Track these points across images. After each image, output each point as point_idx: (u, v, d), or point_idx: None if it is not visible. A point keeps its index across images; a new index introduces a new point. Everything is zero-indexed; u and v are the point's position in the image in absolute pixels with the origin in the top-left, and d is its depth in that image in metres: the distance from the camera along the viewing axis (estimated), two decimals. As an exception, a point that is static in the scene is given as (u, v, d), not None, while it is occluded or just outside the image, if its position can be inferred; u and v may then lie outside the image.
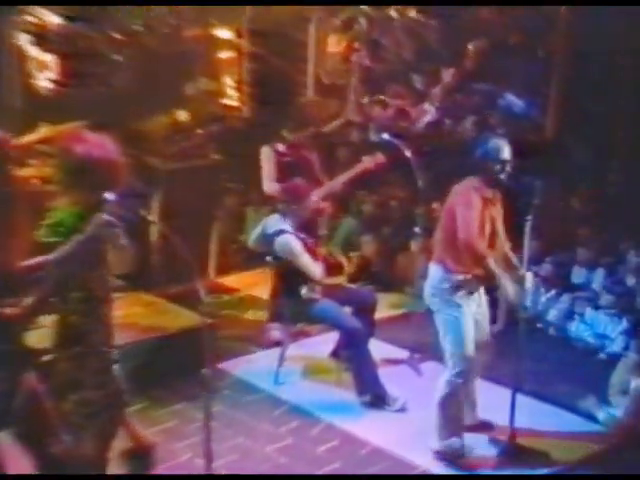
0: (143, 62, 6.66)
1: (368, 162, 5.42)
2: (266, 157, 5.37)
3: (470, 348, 4.03)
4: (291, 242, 4.68)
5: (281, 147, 5.37)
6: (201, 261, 5.97)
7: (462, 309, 4.01)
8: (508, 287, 3.97)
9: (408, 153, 5.21)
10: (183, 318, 5.03)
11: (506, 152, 3.96)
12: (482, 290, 4.17)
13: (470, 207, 3.89)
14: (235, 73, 8.15)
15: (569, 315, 5.69)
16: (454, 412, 4.11)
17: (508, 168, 3.96)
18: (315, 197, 5.09)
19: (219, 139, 7.06)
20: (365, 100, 8.11)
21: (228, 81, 8.19)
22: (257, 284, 6.39)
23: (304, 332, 5.45)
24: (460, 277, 3.98)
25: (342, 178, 5.46)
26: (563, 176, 6.55)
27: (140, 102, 6.42)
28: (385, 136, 5.51)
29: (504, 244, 4.14)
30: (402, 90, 8.01)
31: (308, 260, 4.68)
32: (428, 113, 7.67)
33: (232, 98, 8.17)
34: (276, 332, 5.35)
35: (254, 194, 7.64)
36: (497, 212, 4.07)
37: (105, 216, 3.02)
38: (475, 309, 4.10)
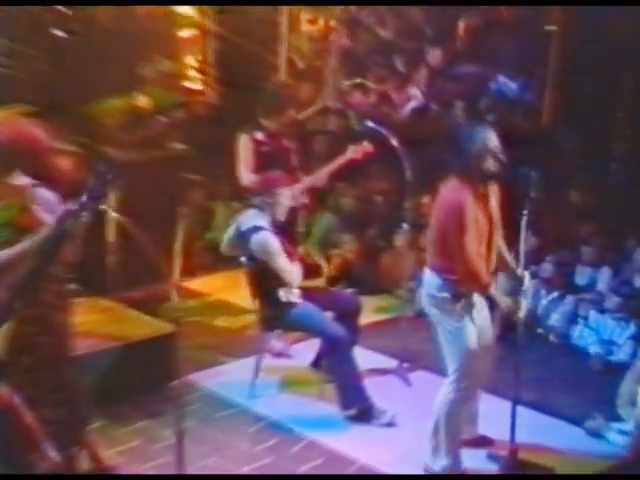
0: (94, 39, 6.56)
1: (354, 152, 5.38)
2: (243, 146, 5.31)
3: (475, 360, 4.03)
4: (269, 240, 4.64)
5: (260, 135, 5.31)
6: (165, 262, 5.91)
7: (464, 319, 3.99)
8: (503, 299, 3.98)
9: (395, 142, 5.20)
10: (146, 325, 5.00)
11: (494, 140, 3.91)
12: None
13: (465, 229, 3.80)
14: (198, 53, 8.11)
15: (572, 319, 5.73)
16: (454, 430, 4.09)
17: (500, 157, 3.91)
18: (297, 191, 5.06)
19: (182, 127, 7.00)
20: (344, 84, 8.11)
21: (191, 62, 8.15)
22: (228, 287, 6.37)
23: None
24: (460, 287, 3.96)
25: (326, 170, 5.42)
26: (561, 166, 6.60)
27: (91, 84, 6.33)
28: (369, 124, 5.47)
29: (500, 241, 4.12)
30: (384, 73, 8.02)
31: (285, 261, 4.65)
32: (413, 98, 7.69)
33: (196, 81, 8.13)
34: (276, 342, 5.34)
35: (223, 187, 7.66)
36: (493, 206, 4.02)
37: (74, 206, 2.97)
38: (475, 314, 4.07)
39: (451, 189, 3.94)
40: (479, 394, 4.26)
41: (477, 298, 4.05)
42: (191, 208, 7.13)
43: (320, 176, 5.41)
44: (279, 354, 5.34)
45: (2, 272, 2.97)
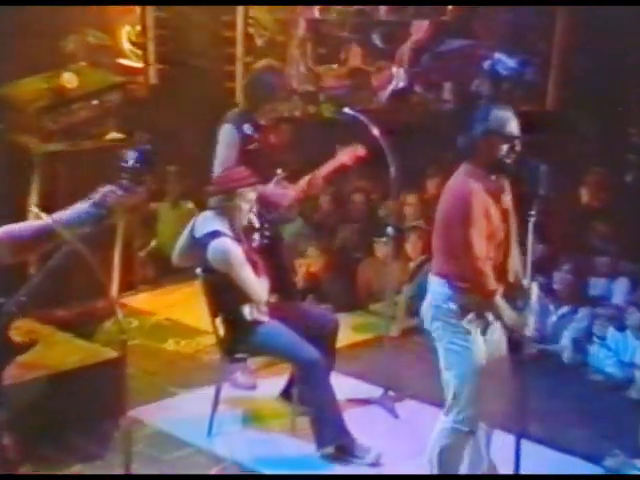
0: (11, 9, 6.53)
1: (345, 156, 5.42)
2: (227, 140, 5.26)
3: (482, 386, 4.06)
4: (229, 248, 4.65)
5: (249, 129, 5.30)
6: (102, 274, 5.90)
7: (472, 337, 4.04)
8: (508, 312, 4.01)
9: (375, 131, 5.26)
10: (79, 351, 5.00)
11: (514, 125, 3.99)
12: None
13: (472, 221, 3.87)
14: (137, 24, 8.12)
15: (587, 338, 5.83)
16: (452, 471, 4.13)
17: (517, 147, 3.99)
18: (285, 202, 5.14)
19: (117, 112, 7.00)
20: (313, 63, 8.18)
21: (127, 35, 8.15)
22: (179, 304, 6.43)
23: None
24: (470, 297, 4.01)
25: (317, 176, 5.43)
26: (568, 158, 6.72)
27: (7, 61, 6.31)
28: (347, 110, 5.52)
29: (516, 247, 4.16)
30: (361, 50, 8.12)
31: (249, 273, 4.68)
32: (394, 79, 7.79)
33: (133, 58, 8.13)
34: (240, 373, 5.35)
35: (169, 185, 7.68)
36: (508, 204, 4.09)
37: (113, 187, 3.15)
38: (487, 333, 4.10)
39: (458, 177, 4.03)
40: (489, 433, 4.24)
41: (490, 314, 4.09)
42: (130, 210, 7.11)
43: (315, 182, 5.43)
44: (243, 387, 5.37)
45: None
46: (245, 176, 4.77)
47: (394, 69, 7.85)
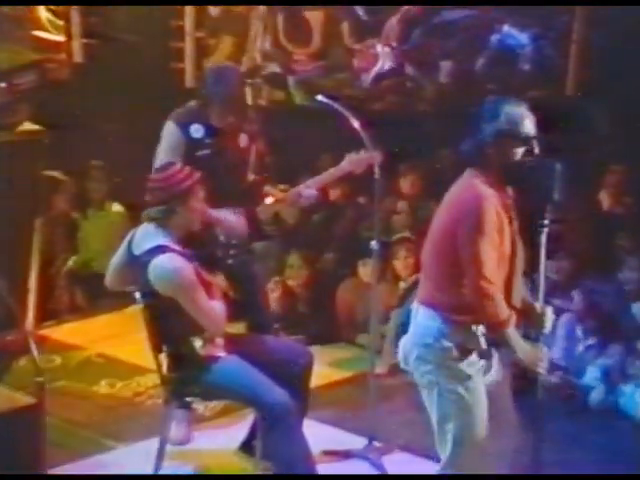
0: None
1: (354, 164, 5.43)
2: (169, 141, 5.29)
3: (482, 437, 4.10)
4: (176, 266, 4.64)
5: (198, 132, 5.35)
6: (16, 301, 5.94)
7: (472, 381, 4.06)
8: (521, 345, 4.03)
9: (355, 123, 5.31)
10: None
11: (529, 124, 4.03)
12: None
13: (483, 234, 3.89)
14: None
15: (618, 377, 5.88)
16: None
17: (535, 150, 4.03)
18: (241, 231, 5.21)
19: (34, 97, 7.04)
20: (281, 39, 8.24)
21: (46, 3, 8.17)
22: (113, 336, 6.44)
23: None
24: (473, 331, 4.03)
25: (313, 185, 5.47)
26: (585, 155, 6.80)
27: None
28: (321, 98, 5.56)
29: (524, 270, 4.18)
30: (340, 23, 8.14)
31: (202, 297, 4.71)
32: (380, 59, 7.85)
33: (53, 31, 8.14)
34: (176, 427, 5.32)
35: (94, 184, 7.70)
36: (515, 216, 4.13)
37: None
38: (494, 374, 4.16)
39: (465, 183, 4.06)
40: None
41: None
42: (50, 219, 7.15)
43: (309, 194, 5.47)
44: (171, 441, 5.28)
45: None
46: (186, 176, 4.73)
47: (380, 46, 7.89)
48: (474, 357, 4.03)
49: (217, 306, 4.77)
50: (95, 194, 7.77)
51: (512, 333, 3.98)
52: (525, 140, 4.02)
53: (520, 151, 4.02)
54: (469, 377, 4.03)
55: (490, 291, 3.91)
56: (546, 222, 4.03)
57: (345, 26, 8.09)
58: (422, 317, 4.10)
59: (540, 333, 4.10)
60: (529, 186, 4.11)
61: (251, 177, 5.46)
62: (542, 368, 4.07)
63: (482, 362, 4.07)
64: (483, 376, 4.11)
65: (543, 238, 4.03)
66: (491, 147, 4.00)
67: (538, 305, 4.10)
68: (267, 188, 5.53)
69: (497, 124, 3.99)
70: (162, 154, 5.26)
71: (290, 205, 5.61)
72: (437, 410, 4.10)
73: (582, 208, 6.77)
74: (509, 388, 4.30)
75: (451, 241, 4.00)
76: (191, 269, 4.65)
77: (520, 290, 4.15)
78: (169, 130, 5.31)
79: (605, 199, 7.03)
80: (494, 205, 3.94)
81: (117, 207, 7.63)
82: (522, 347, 4.02)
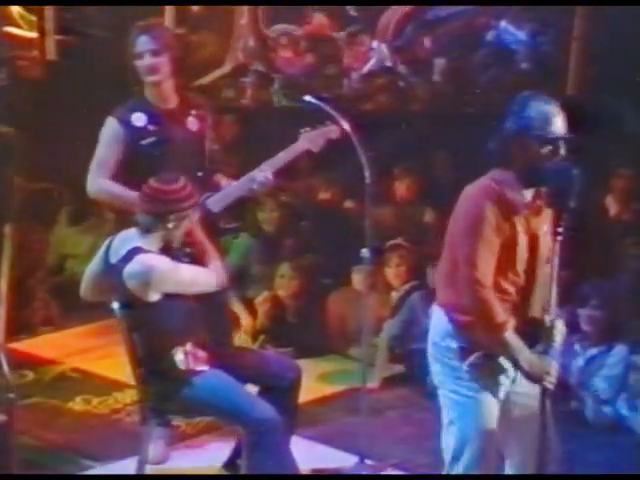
0: None
1: (311, 141, 5.36)
2: (108, 136, 5.28)
3: (488, 450, 4.08)
4: (152, 263, 4.59)
5: (140, 119, 5.35)
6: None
7: (479, 386, 4.04)
8: (524, 354, 3.99)
9: (345, 125, 5.28)
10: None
11: (559, 122, 4.00)
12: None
13: (478, 235, 3.89)
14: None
15: (624, 387, 5.84)
16: None
17: (562, 151, 3.99)
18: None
19: (4, 97, 7.01)
20: (266, 33, 8.22)
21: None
22: (88, 350, 6.36)
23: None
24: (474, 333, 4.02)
25: (267, 169, 5.43)
26: (593, 157, 6.79)
27: None
28: (309, 98, 5.53)
29: (546, 276, 4.10)
30: (328, 19, 8.15)
31: (187, 272, 4.71)
32: (373, 56, 7.84)
33: (25, 26, 8.12)
34: (157, 446, 5.26)
35: (67, 192, 7.65)
36: (541, 224, 4.08)
37: None
38: (508, 384, 4.11)
39: (478, 182, 4.05)
40: None
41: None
42: (25, 226, 7.10)
43: (264, 179, 5.39)
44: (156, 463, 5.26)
45: None
46: (187, 195, 4.70)
47: (372, 43, 7.88)
48: (475, 358, 4.00)
49: (210, 267, 4.84)
50: (68, 200, 7.71)
51: (512, 338, 3.95)
52: (552, 140, 3.97)
53: (547, 151, 3.97)
54: (473, 379, 4.02)
55: (482, 294, 3.91)
56: (561, 230, 3.98)
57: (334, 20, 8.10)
58: (435, 317, 4.15)
59: (550, 347, 4.04)
60: (548, 190, 4.05)
61: (208, 165, 5.40)
62: (550, 383, 4.01)
63: (489, 365, 4.02)
64: (511, 384, 4.07)
65: (557, 247, 3.98)
66: (515, 145, 3.98)
67: (548, 317, 4.03)
68: (218, 176, 5.44)
69: (523, 121, 3.95)
70: (100, 149, 5.28)
71: (245, 193, 5.49)
72: (446, 411, 4.11)
73: (588, 214, 6.74)
74: (546, 407, 4.11)
75: (453, 242, 4.04)
76: (166, 259, 4.63)
77: (541, 301, 4.10)
78: (108, 125, 5.30)
79: (612, 203, 6.99)
80: (498, 207, 3.93)
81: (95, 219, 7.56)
82: (526, 356, 3.97)
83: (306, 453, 5.04)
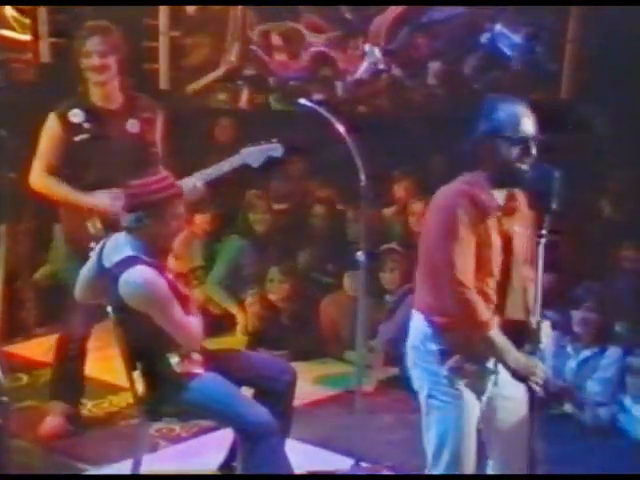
0: None
1: (250, 155, 5.53)
2: (47, 131, 5.44)
3: (467, 453, 4.12)
4: (149, 279, 4.61)
5: (77, 116, 5.41)
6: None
7: (458, 390, 4.08)
8: (512, 354, 4.04)
9: (340, 127, 5.33)
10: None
11: (528, 123, 4.05)
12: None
13: (454, 235, 3.95)
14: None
15: (618, 390, 5.90)
16: None
17: (533, 150, 4.05)
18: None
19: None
20: (258, 36, 8.26)
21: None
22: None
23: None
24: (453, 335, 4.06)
25: (200, 178, 5.49)
26: (584, 160, 6.82)
27: None
28: (303, 101, 5.59)
29: (526, 278, 4.17)
30: (324, 22, 8.17)
31: (178, 312, 4.70)
32: (367, 59, 7.86)
33: (18, 29, 8.13)
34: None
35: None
36: (516, 225, 4.14)
37: None
38: (490, 386, 4.16)
39: (449, 185, 4.11)
40: None
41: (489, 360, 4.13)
42: (17, 227, 7.13)
43: (196, 184, 5.48)
44: None
45: None
46: (164, 186, 4.73)
47: (366, 46, 7.90)
48: (454, 361, 4.06)
49: (193, 321, 4.77)
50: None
51: (497, 337, 4.00)
52: (521, 140, 4.03)
53: (517, 151, 4.03)
54: (452, 383, 4.07)
55: (466, 295, 3.97)
56: (544, 232, 4.03)
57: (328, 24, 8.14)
58: (414, 320, 4.20)
59: (536, 349, 4.08)
60: (530, 194, 4.13)
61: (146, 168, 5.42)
62: (536, 383, 4.05)
63: (468, 368, 4.07)
64: (493, 387, 4.12)
65: (540, 249, 4.03)
66: (485, 146, 4.05)
67: (534, 319, 4.09)
68: None
69: (493, 123, 4.02)
70: (41, 144, 5.44)
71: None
72: (424, 415, 4.16)
73: (580, 216, 6.79)
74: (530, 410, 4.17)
75: (426, 244, 4.10)
76: (164, 282, 4.64)
77: (519, 302, 4.15)
78: (48, 120, 5.47)
79: (605, 206, 7.07)
80: (469, 201, 3.99)
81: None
82: (513, 355, 4.02)
83: (301, 456, 5.09)
